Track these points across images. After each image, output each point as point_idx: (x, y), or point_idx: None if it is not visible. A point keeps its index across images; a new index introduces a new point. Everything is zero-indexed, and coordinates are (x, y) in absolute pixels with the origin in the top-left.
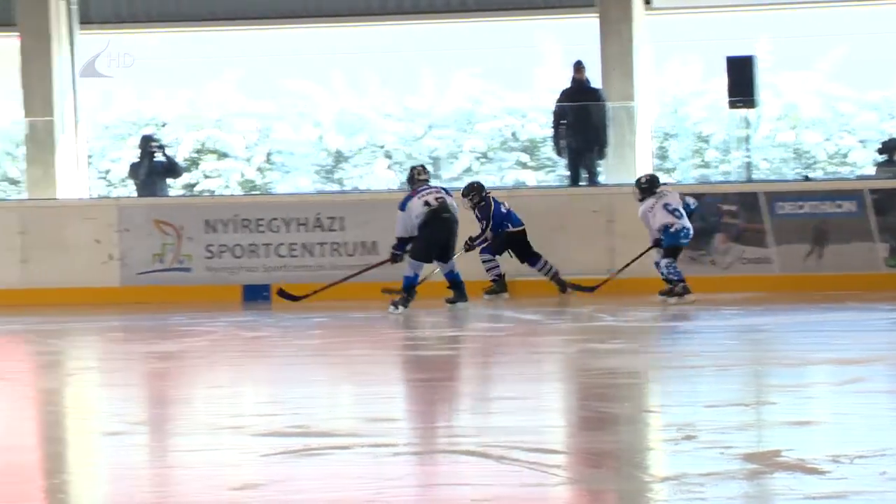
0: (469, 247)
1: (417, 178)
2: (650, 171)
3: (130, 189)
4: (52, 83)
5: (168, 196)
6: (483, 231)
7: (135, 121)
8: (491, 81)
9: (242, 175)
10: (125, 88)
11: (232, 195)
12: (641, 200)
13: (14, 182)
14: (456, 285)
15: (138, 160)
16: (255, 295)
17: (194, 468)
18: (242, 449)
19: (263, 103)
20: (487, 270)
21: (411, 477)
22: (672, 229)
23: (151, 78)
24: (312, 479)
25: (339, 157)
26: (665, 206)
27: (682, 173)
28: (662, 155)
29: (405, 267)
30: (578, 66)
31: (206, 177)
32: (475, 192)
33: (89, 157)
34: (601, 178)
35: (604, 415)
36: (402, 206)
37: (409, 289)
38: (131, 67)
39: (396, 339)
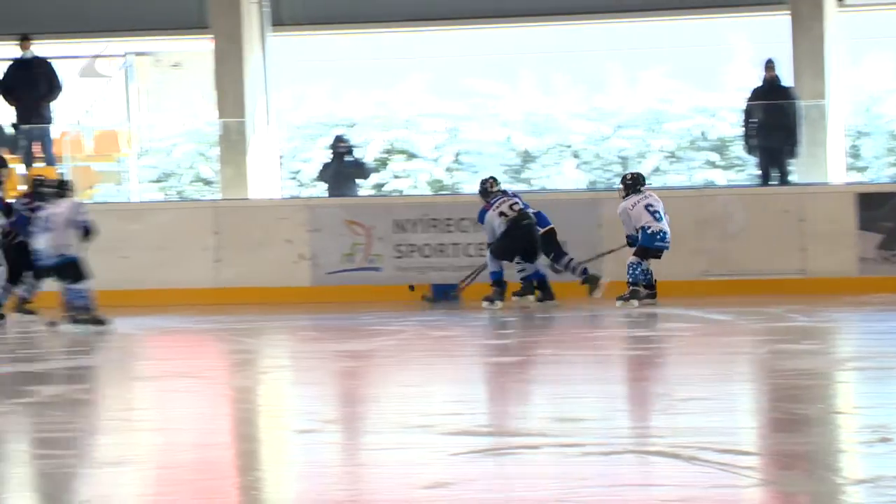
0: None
1: (490, 190)
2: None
3: (321, 189)
4: (244, 85)
5: (358, 196)
6: None
7: (325, 121)
8: (680, 80)
9: (431, 175)
10: (316, 89)
11: (421, 195)
12: (624, 198)
13: (208, 182)
14: (542, 285)
15: (329, 160)
16: (444, 294)
17: (385, 466)
18: (432, 448)
19: (452, 104)
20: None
21: (600, 477)
22: (649, 231)
23: (342, 79)
24: (501, 478)
25: (527, 157)
26: (647, 206)
27: (876, 172)
28: (855, 154)
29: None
30: (769, 65)
31: (396, 177)
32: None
33: (281, 157)
34: (792, 178)
35: (796, 416)
36: (481, 219)
37: (499, 283)
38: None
39: (584, 339)
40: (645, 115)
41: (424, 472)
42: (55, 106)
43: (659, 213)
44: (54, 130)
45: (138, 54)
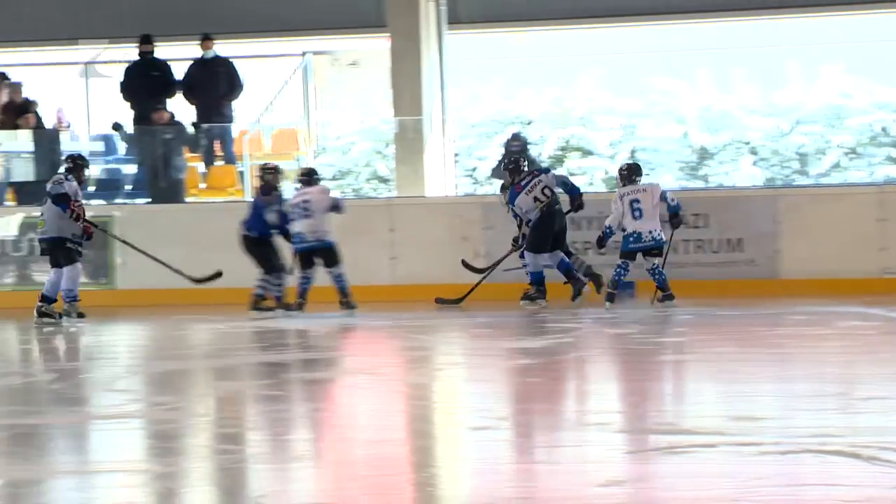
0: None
1: (522, 168)
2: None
3: (496, 187)
4: (421, 82)
5: None
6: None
7: (501, 119)
8: (861, 76)
9: (606, 172)
10: (492, 87)
11: (596, 192)
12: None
13: (384, 180)
14: (571, 276)
15: (502, 159)
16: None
17: (560, 464)
18: (608, 445)
19: (628, 100)
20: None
21: (777, 476)
22: (625, 232)
23: (518, 76)
24: (678, 476)
25: (704, 154)
26: (632, 201)
27: None
28: None
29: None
30: None
31: (571, 174)
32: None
33: (456, 155)
34: None
35: None
36: (512, 202)
37: (539, 282)
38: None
39: (761, 337)
40: (824, 111)
41: (600, 470)
42: (235, 105)
43: (641, 210)
44: (234, 129)
45: (316, 53)
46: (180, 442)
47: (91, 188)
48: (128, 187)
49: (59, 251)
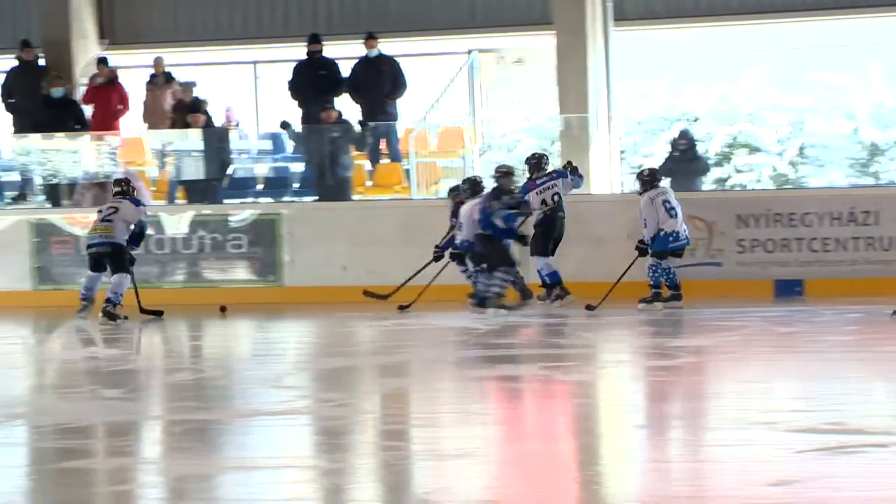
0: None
1: (543, 165)
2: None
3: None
4: (587, 80)
5: (700, 191)
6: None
7: (666, 116)
8: None
9: (774, 169)
10: (657, 83)
11: (764, 189)
12: (641, 193)
13: None
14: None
15: (668, 155)
16: (788, 289)
17: (727, 463)
18: (776, 444)
19: (796, 96)
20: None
21: None
22: (662, 233)
23: (684, 73)
24: (848, 476)
25: (875, 151)
26: (664, 202)
27: None
28: None
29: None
30: None
31: (738, 171)
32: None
33: (622, 152)
34: None
35: None
36: (524, 192)
37: (558, 282)
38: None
39: None
40: None
41: (768, 470)
42: (400, 103)
43: (675, 209)
44: (399, 127)
45: (482, 51)
46: (347, 438)
47: (259, 186)
48: (295, 185)
49: (122, 256)
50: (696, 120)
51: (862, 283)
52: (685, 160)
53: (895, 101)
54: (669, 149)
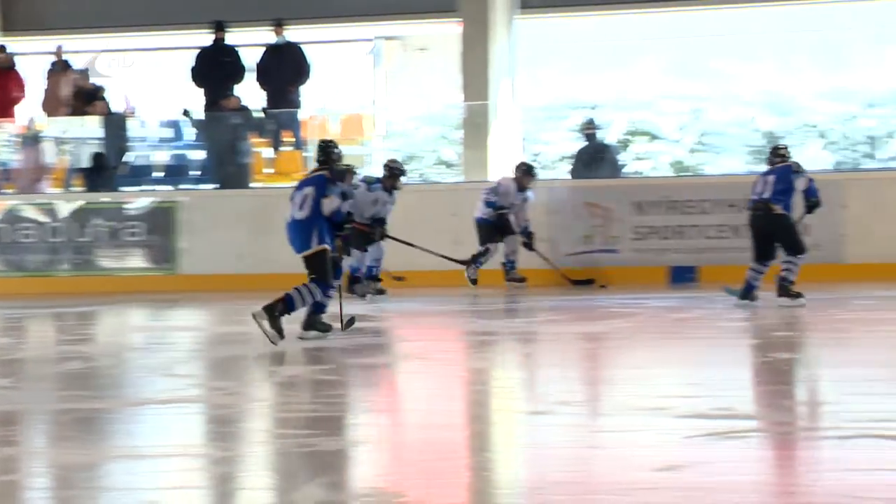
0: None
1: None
2: None
3: (559, 172)
4: (489, 68)
5: (598, 178)
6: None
7: (567, 104)
8: None
9: (673, 157)
10: (558, 71)
11: (661, 177)
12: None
13: (450, 165)
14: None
15: (584, 145)
16: (682, 276)
17: (615, 448)
18: (664, 430)
19: (694, 84)
20: None
21: (833, 462)
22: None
23: (583, 61)
24: (735, 461)
25: (771, 138)
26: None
27: None
28: None
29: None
30: None
31: (637, 158)
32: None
33: (523, 140)
34: None
35: None
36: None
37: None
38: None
39: (825, 321)
40: (894, 94)
41: (655, 455)
42: (303, 90)
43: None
44: (302, 114)
45: (387, 38)
46: (238, 427)
47: (158, 174)
48: (195, 173)
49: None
50: (594, 108)
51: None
52: (592, 149)
53: (791, 90)
54: (583, 137)
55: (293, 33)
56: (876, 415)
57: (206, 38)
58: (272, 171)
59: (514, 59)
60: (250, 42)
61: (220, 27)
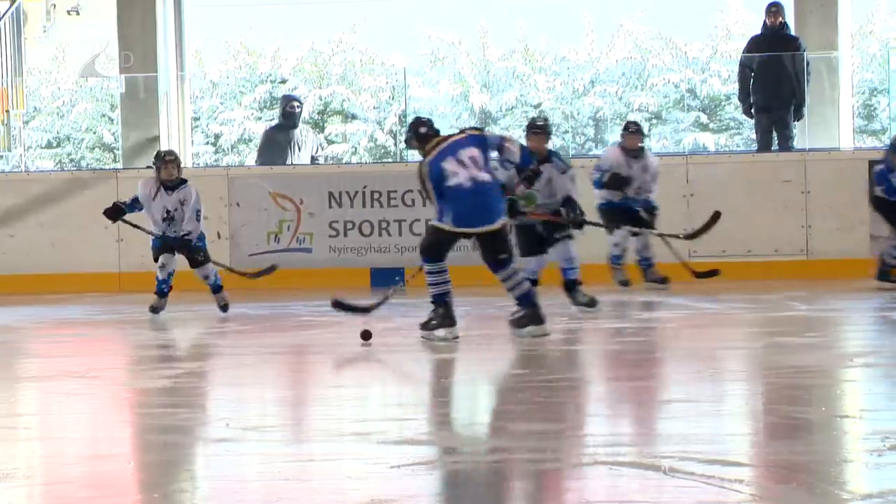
0: None
1: None
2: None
3: (243, 157)
4: (155, 34)
5: (285, 165)
6: None
7: (249, 77)
8: (664, 28)
9: (373, 139)
10: (238, 39)
11: (360, 164)
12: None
13: (110, 149)
14: None
15: (277, 124)
16: (387, 279)
17: (314, 480)
18: (368, 459)
19: (398, 55)
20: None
21: (565, 493)
22: None
23: (268, 27)
24: (447, 495)
25: (487, 118)
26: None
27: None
28: (869, 115)
29: None
30: (773, 9)
31: (330, 142)
32: None
33: (196, 119)
34: (796, 142)
35: (795, 420)
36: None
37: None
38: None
39: (560, 329)
40: (623, 69)
41: (360, 488)
42: None
43: None
44: None
45: None
46: None
47: None
48: None
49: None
50: (283, 82)
51: (471, 271)
52: (286, 129)
53: (508, 62)
54: (279, 117)
55: None
56: (609, 439)
57: None
58: None
59: (184, 24)
60: None
61: None
